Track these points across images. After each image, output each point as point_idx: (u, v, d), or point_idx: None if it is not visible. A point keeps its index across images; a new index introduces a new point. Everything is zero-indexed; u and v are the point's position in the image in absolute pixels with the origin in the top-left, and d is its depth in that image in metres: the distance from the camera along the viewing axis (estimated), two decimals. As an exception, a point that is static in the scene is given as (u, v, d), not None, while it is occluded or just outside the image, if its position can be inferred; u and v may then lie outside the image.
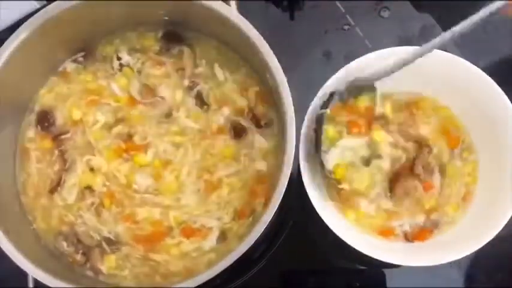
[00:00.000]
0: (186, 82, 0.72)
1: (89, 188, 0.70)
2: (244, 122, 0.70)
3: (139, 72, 0.72)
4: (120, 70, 0.72)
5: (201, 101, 0.71)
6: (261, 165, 0.69)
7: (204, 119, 0.71)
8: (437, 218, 0.70)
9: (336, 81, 0.68)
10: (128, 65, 0.72)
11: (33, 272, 0.61)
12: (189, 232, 0.68)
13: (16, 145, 0.72)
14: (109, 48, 0.73)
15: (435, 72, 0.70)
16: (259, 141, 0.70)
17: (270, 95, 0.69)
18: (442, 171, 0.71)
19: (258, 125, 0.70)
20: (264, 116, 0.71)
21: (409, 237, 0.70)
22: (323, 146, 0.66)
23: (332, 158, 0.67)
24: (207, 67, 0.72)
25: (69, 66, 0.73)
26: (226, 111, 0.71)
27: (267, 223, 0.58)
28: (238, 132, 0.70)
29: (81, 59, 0.73)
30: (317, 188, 0.68)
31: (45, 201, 0.70)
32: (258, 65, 0.67)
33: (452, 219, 0.70)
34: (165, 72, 0.72)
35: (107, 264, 0.68)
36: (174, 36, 0.73)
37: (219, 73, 0.72)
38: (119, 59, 0.72)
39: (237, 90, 0.71)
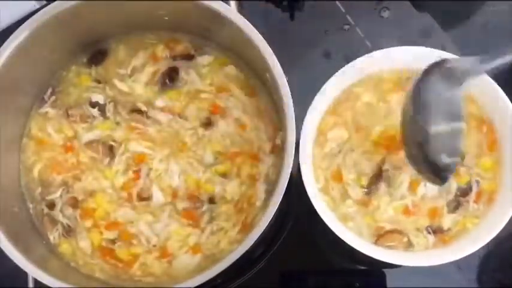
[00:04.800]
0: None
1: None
2: (170, 65, 0.72)
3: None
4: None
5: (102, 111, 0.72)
6: (230, 69, 0.72)
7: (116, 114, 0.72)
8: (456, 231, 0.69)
9: (336, 81, 0.68)
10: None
11: (33, 272, 0.61)
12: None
13: (19, 146, 0.72)
14: None
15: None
16: (203, 59, 0.72)
17: (183, 38, 0.73)
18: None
19: (189, 57, 0.73)
20: (186, 48, 0.73)
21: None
22: None
23: None
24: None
25: None
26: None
27: (266, 225, 0.58)
28: (170, 77, 0.72)
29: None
30: (317, 185, 0.68)
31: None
32: (258, 65, 0.67)
33: (466, 226, 0.69)
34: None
35: (62, 247, 0.69)
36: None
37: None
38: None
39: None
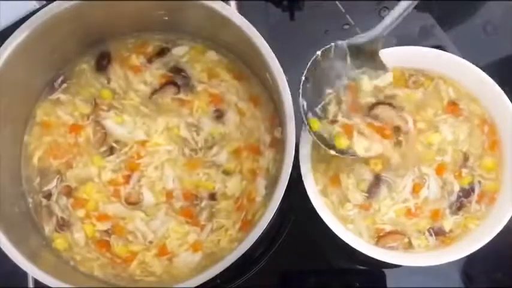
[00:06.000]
0: None
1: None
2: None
3: None
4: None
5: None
6: (211, 55, 0.73)
7: None
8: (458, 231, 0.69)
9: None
10: None
11: (33, 272, 0.61)
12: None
13: (19, 147, 0.72)
14: None
15: (435, 72, 0.70)
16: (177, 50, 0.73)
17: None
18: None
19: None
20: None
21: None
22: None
23: None
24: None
25: None
26: None
27: (266, 224, 0.58)
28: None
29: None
30: (317, 187, 0.68)
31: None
32: (258, 65, 0.67)
33: (468, 227, 0.69)
34: None
35: (56, 242, 0.69)
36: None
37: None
38: None
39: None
